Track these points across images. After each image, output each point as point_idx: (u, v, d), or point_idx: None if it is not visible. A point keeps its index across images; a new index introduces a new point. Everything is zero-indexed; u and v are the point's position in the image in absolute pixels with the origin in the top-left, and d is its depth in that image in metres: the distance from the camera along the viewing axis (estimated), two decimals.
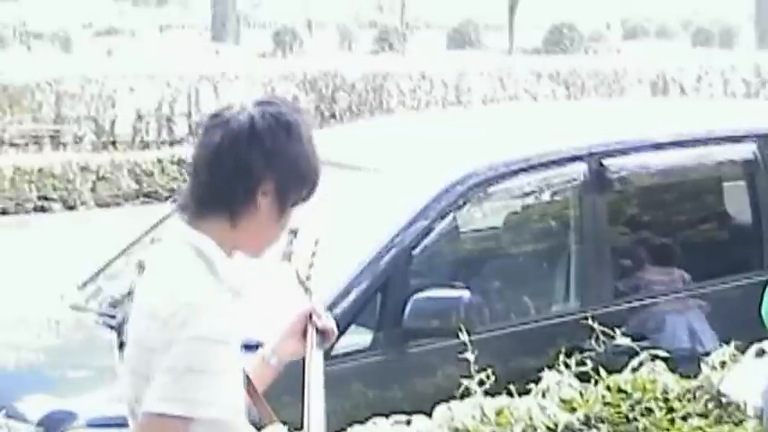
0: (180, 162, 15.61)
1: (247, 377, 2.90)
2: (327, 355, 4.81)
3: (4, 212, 14.16)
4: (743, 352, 5.26)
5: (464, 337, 4.73)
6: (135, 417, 2.73)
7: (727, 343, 5.21)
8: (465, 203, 5.50)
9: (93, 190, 14.77)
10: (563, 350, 5.10)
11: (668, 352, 5.45)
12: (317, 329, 3.17)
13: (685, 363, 5.35)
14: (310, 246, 3.25)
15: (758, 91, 23.97)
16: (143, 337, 2.69)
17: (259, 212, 2.76)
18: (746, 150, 6.20)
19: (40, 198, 14.44)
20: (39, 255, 11.56)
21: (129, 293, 2.87)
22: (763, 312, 3.87)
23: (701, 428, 4.61)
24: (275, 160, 2.74)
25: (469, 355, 4.65)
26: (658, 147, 6.04)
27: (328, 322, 3.22)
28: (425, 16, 41.86)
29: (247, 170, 2.72)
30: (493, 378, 4.79)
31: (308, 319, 3.18)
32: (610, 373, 5.03)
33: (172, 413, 2.60)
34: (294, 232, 3.09)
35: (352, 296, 5.07)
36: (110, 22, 35.08)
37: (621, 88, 22.18)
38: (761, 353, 4.83)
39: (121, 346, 2.89)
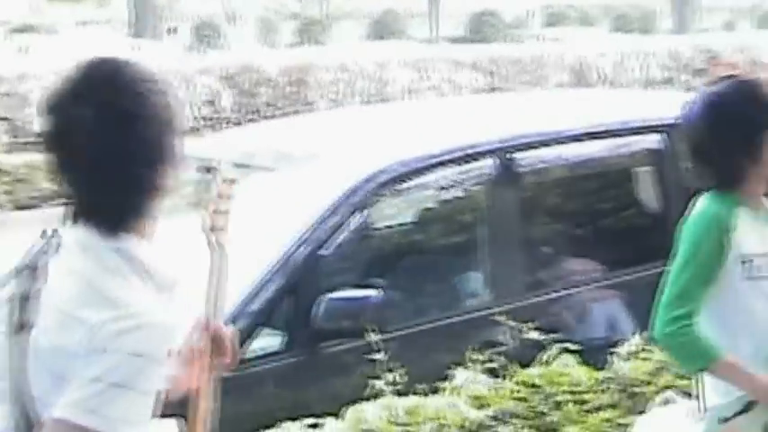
0: None
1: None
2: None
3: None
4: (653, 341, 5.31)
5: (374, 337, 4.73)
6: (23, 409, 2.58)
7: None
8: (376, 200, 5.49)
9: (9, 192, 14.54)
10: (475, 346, 5.13)
11: (585, 342, 5.50)
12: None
13: (603, 353, 5.40)
14: (225, 188, 2.84)
15: (676, 76, 24.17)
16: (64, 342, 2.52)
17: None
18: (655, 141, 6.25)
19: None
20: None
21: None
22: (656, 335, 3.82)
23: (610, 420, 4.65)
24: None
25: (379, 356, 4.65)
26: (567, 139, 6.08)
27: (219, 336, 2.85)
28: (347, 7, 41.78)
29: None
30: (406, 377, 4.82)
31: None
32: (523, 366, 5.06)
33: (88, 426, 2.46)
34: (210, 170, 2.84)
35: (262, 297, 5.04)
36: (25, 19, 34.60)
37: (542, 75, 22.27)
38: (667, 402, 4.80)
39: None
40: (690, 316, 3.67)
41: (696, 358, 3.72)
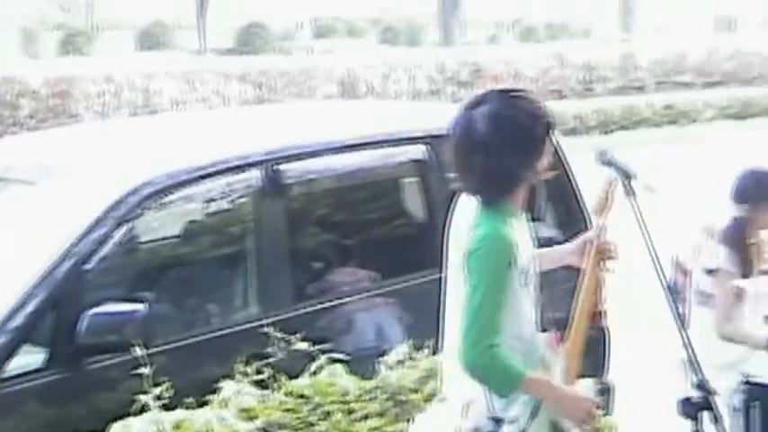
0: None
1: None
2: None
3: None
4: (420, 349, 5.39)
5: (139, 351, 4.66)
6: None
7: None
8: (141, 213, 5.40)
9: None
10: (243, 358, 5.11)
11: (355, 352, 5.54)
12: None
13: (373, 362, 5.45)
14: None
15: (443, 88, 24.65)
16: None
17: None
18: (421, 151, 6.34)
19: None
20: None
21: None
22: (467, 364, 3.86)
23: (378, 428, 4.69)
24: None
25: (145, 370, 4.58)
26: (334, 150, 6.10)
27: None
28: (113, 17, 41.14)
29: None
30: (173, 391, 4.76)
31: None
32: (292, 378, 5.06)
33: None
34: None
35: (23, 313, 4.90)
36: None
37: (311, 87, 22.40)
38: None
39: None
40: (498, 341, 3.76)
41: (507, 382, 3.82)
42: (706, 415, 4.11)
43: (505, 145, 3.85)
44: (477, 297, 3.78)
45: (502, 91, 3.99)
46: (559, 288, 4.92)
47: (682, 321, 4.13)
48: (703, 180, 14.29)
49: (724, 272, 5.76)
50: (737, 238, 5.93)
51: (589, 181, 6.52)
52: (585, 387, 4.15)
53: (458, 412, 3.97)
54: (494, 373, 3.81)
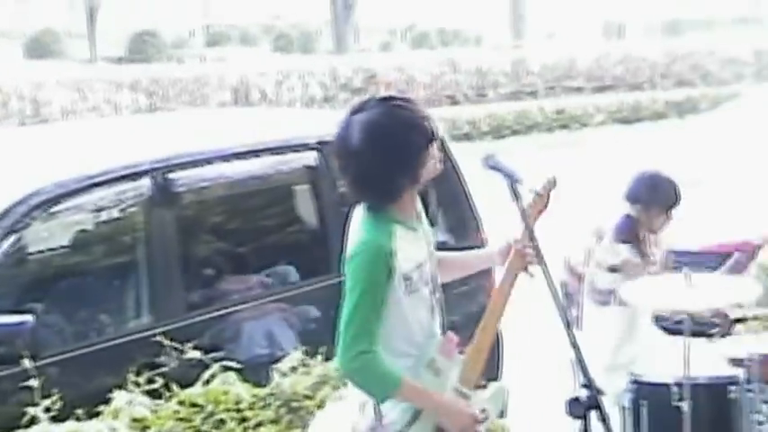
0: None
1: None
2: None
3: None
4: (313, 355, 5.41)
5: (28, 363, 4.61)
6: None
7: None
8: (30, 223, 5.34)
9: None
10: (135, 368, 5.07)
11: (249, 360, 5.53)
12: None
13: (268, 369, 5.44)
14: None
15: (336, 95, 24.67)
16: None
17: None
18: (313, 158, 6.35)
19: None
20: None
21: None
22: (341, 369, 3.89)
23: None
24: None
25: (34, 382, 4.53)
26: (226, 158, 6.09)
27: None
28: (2, 25, 40.54)
29: None
30: (65, 402, 4.71)
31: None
32: (184, 387, 5.04)
33: None
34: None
35: None
36: None
37: (204, 95, 22.28)
38: None
39: None
40: (372, 346, 3.77)
41: (381, 387, 3.84)
42: (594, 414, 4.17)
43: (379, 153, 3.84)
44: (352, 302, 3.80)
45: (385, 98, 3.98)
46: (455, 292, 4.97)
47: (569, 323, 4.18)
48: (593, 183, 14.49)
49: (633, 264, 5.86)
50: (632, 234, 6.04)
51: (482, 186, 6.61)
52: (495, 390, 4.20)
53: (355, 410, 3.99)
54: (366, 379, 3.83)
